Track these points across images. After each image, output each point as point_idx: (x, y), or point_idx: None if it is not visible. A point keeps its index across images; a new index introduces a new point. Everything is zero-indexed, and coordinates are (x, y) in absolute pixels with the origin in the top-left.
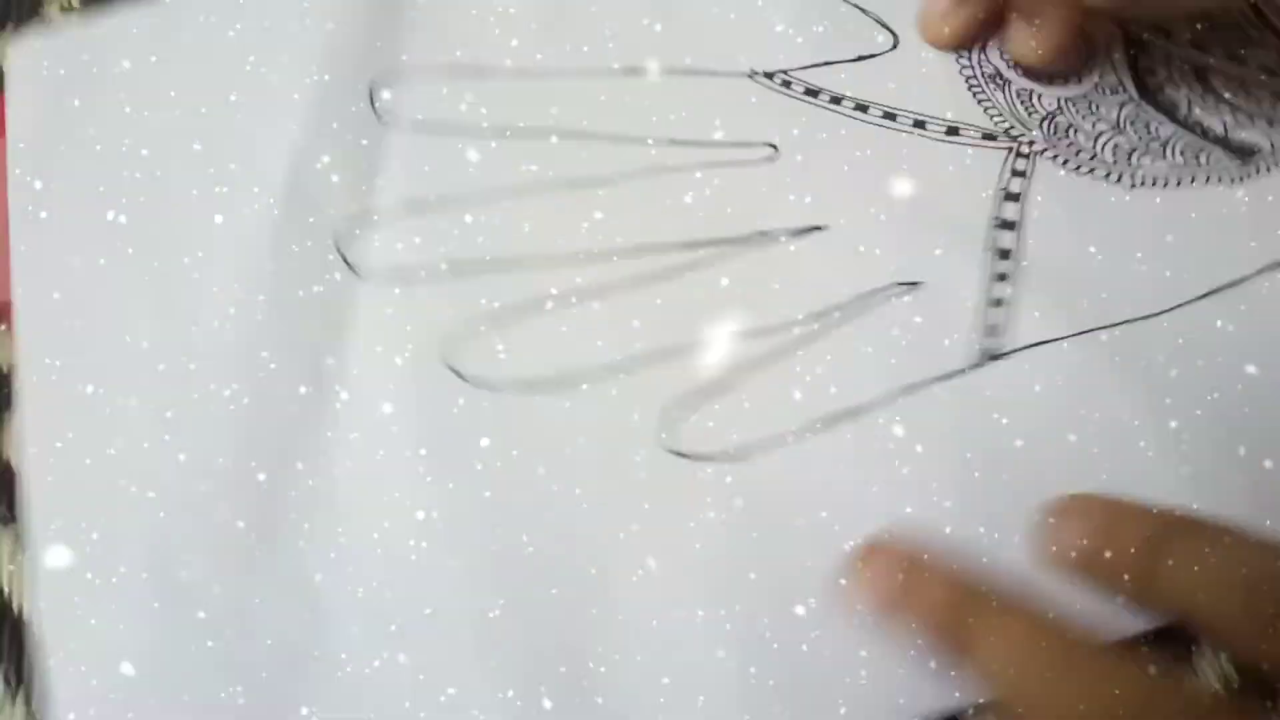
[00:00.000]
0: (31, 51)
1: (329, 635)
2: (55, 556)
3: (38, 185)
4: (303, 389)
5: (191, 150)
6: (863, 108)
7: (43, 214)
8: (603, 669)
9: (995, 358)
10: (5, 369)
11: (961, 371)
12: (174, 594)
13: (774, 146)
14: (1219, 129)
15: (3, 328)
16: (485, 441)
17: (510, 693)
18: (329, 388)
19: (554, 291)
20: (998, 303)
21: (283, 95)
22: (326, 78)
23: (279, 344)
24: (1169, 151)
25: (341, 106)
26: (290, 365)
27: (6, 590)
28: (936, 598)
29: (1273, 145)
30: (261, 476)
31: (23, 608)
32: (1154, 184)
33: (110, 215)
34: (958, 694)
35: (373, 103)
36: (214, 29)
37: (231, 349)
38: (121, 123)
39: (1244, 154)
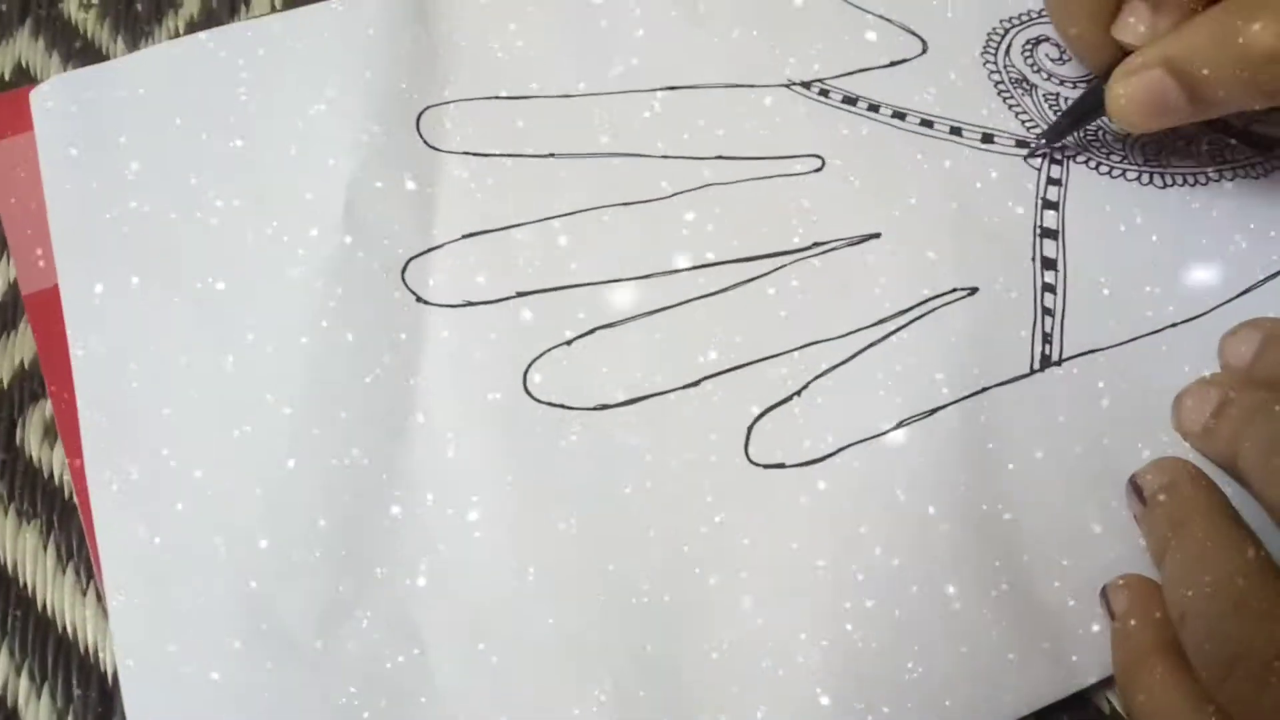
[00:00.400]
0: (61, 93)
1: (430, 669)
2: (133, 602)
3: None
4: (380, 417)
5: (245, 194)
6: (900, 115)
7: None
8: (699, 682)
9: (1051, 364)
10: (27, 364)
11: (1022, 376)
12: (263, 640)
13: (820, 157)
14: (1238, 122)
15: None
16: (559, 461)
17: (597, 697)
18: (406, 418)
19: (615, 310)
20: (1048, 311)
21: (331, 131)
22: (372, 109)
23: (352, 380)
24: (1194, 148)
25: (392, 137)
26: (364, 400)
27: (69, 630)
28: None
29: None
30: (348, 509)
31: (94, 649)
32: (1185, 182)
33: (163, 265)
34: (1051, 685)
35: (420, 132)
36: (259, 68)
37: (303, 387)
38: (165, 165)
39: (1265, 146)
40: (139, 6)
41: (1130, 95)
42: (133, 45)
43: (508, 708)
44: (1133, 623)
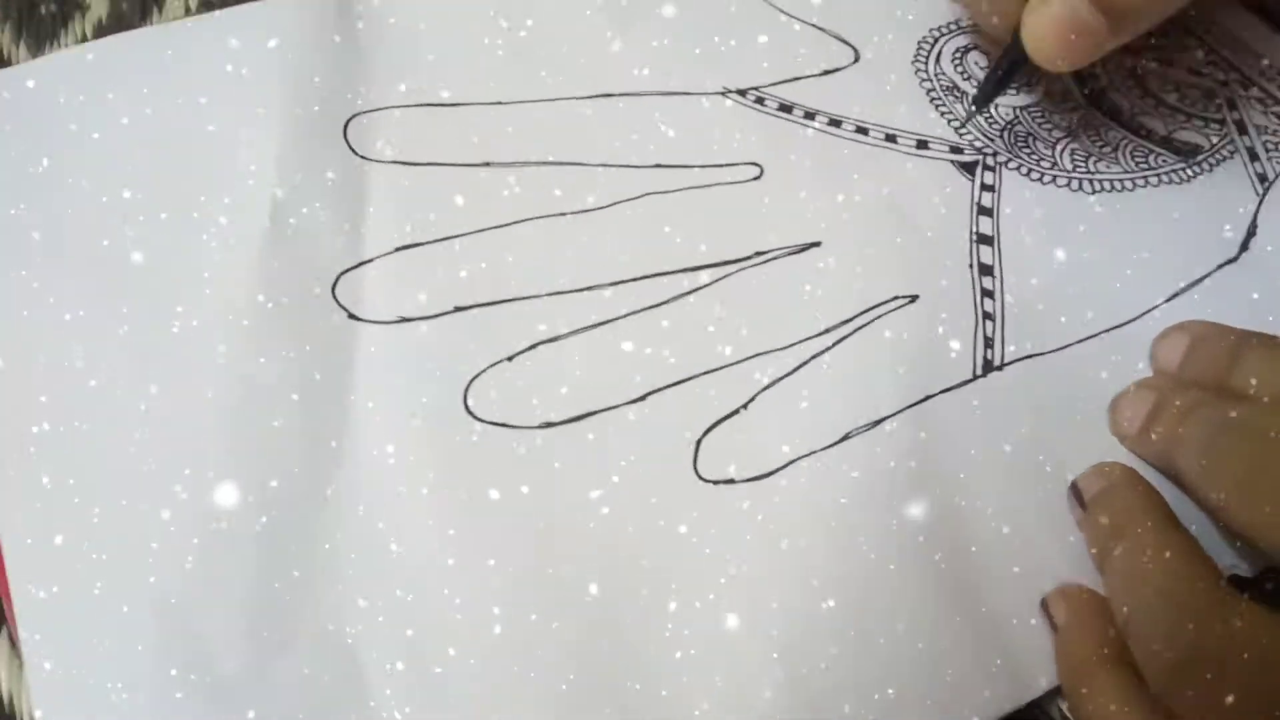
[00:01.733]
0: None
1: (372, 699)
2: (45, 620)
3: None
4: (310, 437)
5: (163, 206)
6: (835, 122)
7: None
8: (648, 693)
9: (993, 368)
10: None
11: (965, 382)
12: (188, 657)
13: (758, 165)
14: (1161, 130)
15: None
16: (502, 480)
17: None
18: (337, 434)
19: (557, 324)
20: (988, 315)
21: (253, 140)
22: (298, 116)
23: (281, 400)
24: (1120, 155)
25: (317, 146)
26: (294, 415)
27: None
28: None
29: (1211, 143)
30: (276, 536)
31: (10, 700)
32: (1112, 188)
33: (86, 266)
34: (1005, 696)
35: (348, 140)
36: (175, 72)
37: (229, 401)
38: (75, 175)
39: (1187, 154)
40: (42, 9)
41: (1047, 25)
42: (37, 51)
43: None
44: (1075, 633)
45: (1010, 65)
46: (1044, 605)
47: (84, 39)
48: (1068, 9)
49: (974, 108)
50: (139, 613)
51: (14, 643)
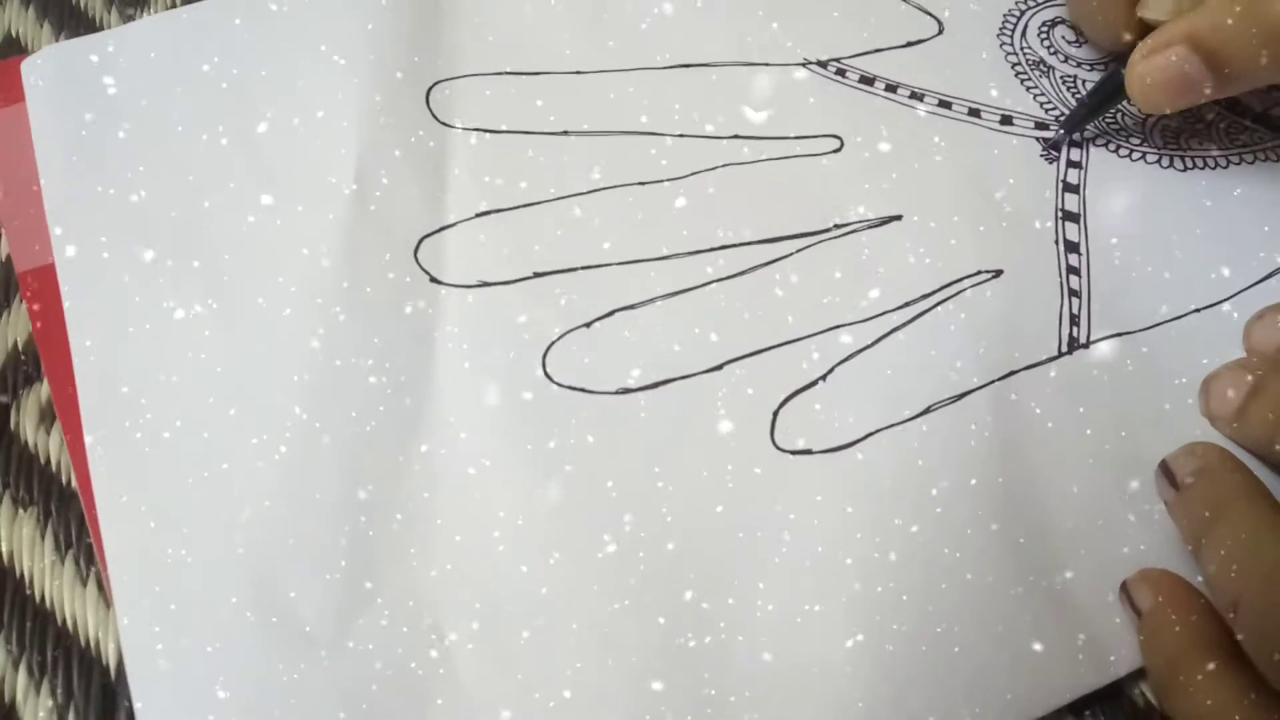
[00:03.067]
0: (53, 64)
1: (452, 665)
2: (139, 589)
3: (74, 218)
4: (392, 402)
5: (248, 169)
6: (918, 96)
7: (90, 241)
8: (724, 663)
9: (1079, 345)
10: (21, 345)
11: (1050, 359)
12: (276, 634)
13: (839, 138)
14: (1256, 106)
15: (24, 303)
16: (579, 445)
17: (629, 690)
18: (417, 396)
19: (635, 291)
20: (1074, 292)
21: (338, 106)
22: (382, 83)
23: (364, 360)
24: (1213, 132)
25: (401, 112)
26: (379, 380)
27: (63, 615)
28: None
29: None
30: (362, 496)
31: (95, 642)
32: (1205, 166)
33: (165, 243)
34: (1086, 677)
35: (430, 107)
36: (262, 39)
37: (316, 368)
38: (163, 139)
39: None
40: None
41: (1153, 75)
42: (126, 15)
43: (532, 700)
44: (1166, 621)
45: (1108, 96)
46: (1124, 590)
47: (174, 4)
48: (1177, 62)
49: (1063, 131)
50: (226, 564)
51: (102, 586)
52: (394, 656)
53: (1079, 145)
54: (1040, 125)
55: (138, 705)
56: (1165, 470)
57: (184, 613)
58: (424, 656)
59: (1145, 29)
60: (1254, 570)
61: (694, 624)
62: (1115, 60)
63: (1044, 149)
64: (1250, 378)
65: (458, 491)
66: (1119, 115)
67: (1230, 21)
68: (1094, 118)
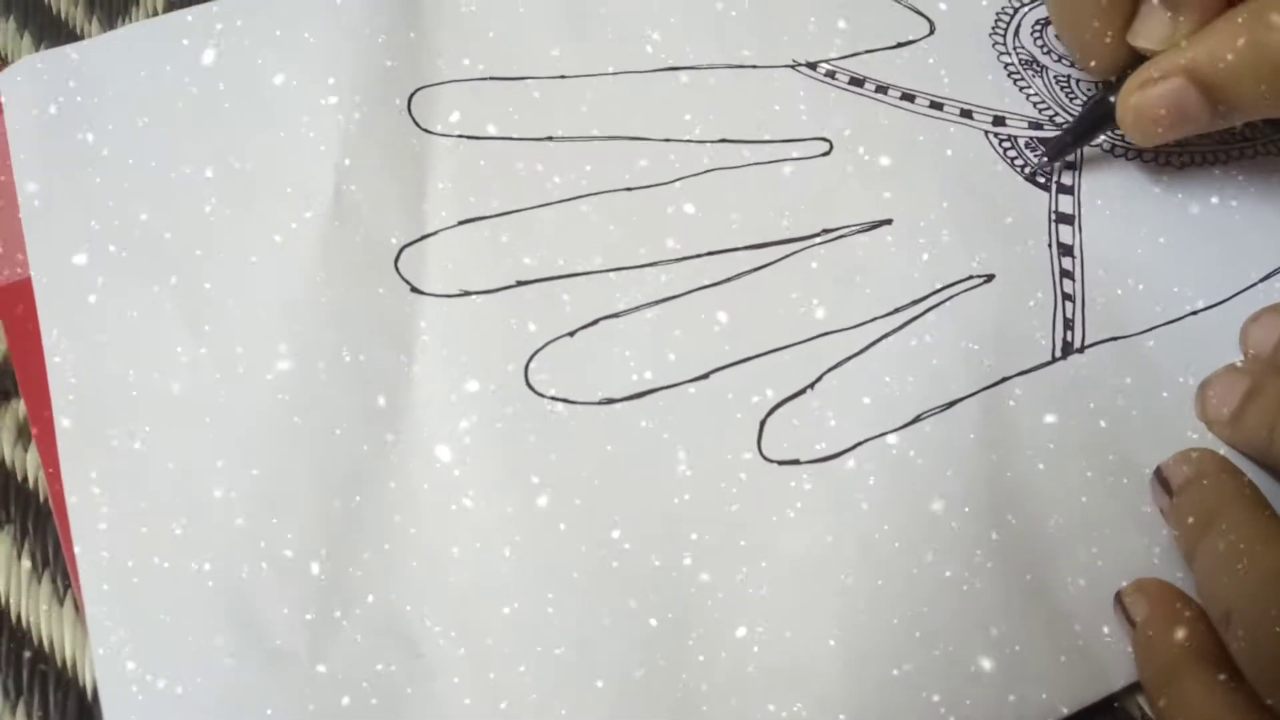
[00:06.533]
0: (31, 74)
1: (428, 673)
2: (111, 609)
3: (50, 210)
4: (371, 415)
5: (227, 177)
6: (909, 97)
7: (67, 241)
8: (706, 680)
9: (1074, 350)
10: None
11: (1043, 364)
12: (251, 651)
13: (828, 141)
14: None
15: None
16: (562, 455)
17: (610, 704)
18: (400, 411)
19: (619, 299)
20: (1068, 296)
21: (318, 112)
22: (363, 89)
23: (343, 371)
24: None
25: (381, 119)
26: (358, 391)
27: (31, 629)
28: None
29: None
30: (339, 509)
31: (72, 663)
32: (1204, 161)
33: (142, 254)
34: (1081, 689)
35: (412, 113)
36: (240, 45)
37: (294, 380)
38: (142, 148)
39: None
40: None
41: (1148, 107)
42: (109, 25)
43: (511, 713)
44: (1158, 630)
45: (1094, 124)
46: (1119, 600)
47: (155, 13)
48: (1175, 94)
49: (1046, 159)
50: (199, 581)
51: (79, 608)
52: (369, 673)
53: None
54: (1034, 125)
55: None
56: (1160, 477)
57: (157, 632)
58: (400, 672)
59: (1136, 56)
60: (1246, 579)
61: (677, 637)
62: (1103, 86)
63: (1029, 174)
64: (1247, 381)
65: (437, 504)
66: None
67: (1231, 56)
68: (1080, 145)
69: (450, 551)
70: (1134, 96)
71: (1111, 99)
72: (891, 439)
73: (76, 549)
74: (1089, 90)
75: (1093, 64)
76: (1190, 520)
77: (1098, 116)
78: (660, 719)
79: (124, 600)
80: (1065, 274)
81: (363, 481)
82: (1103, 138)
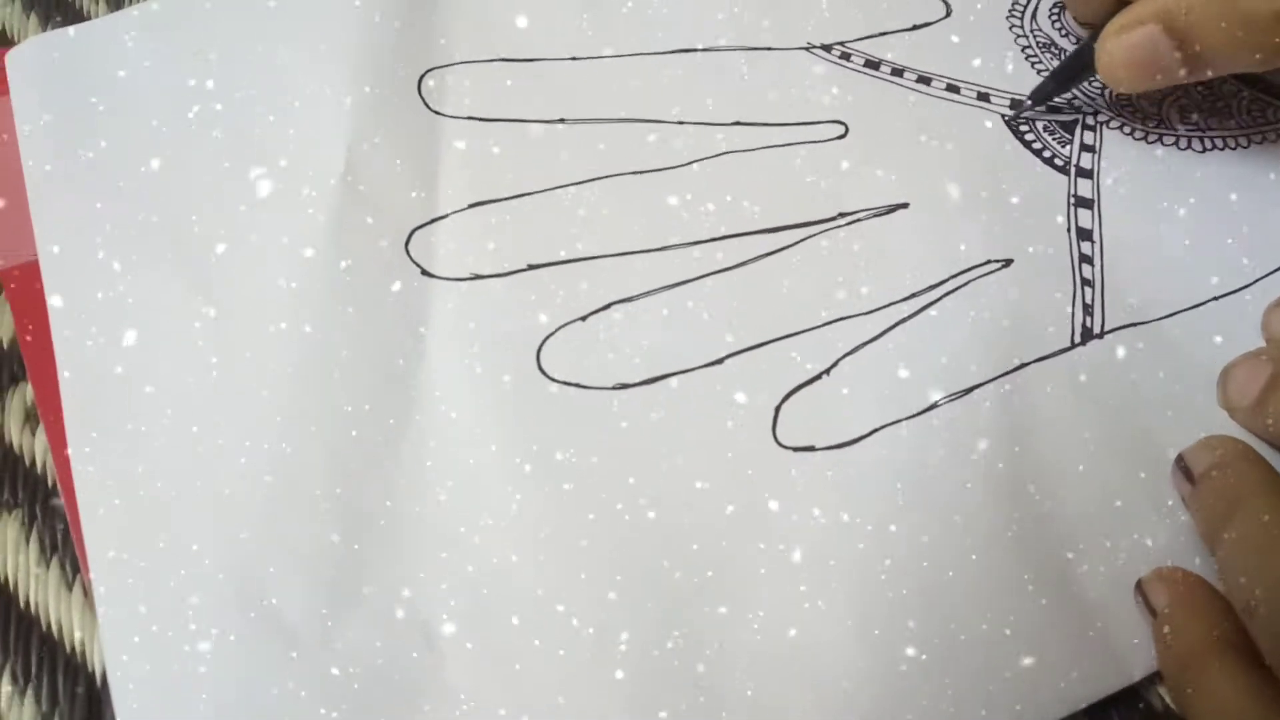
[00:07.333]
0: (38, 55)
1: (439, 662)
2: (116, 580)
3: (62, 196)
4: (382, 398)
5: (236, 157)
6: (925, 80)
7: (76, 220)
8: (722, 661)
9: (1093, 336)
10: (5, 345)
11: (1062, 350)
12: (260, 638)
13: (843, 124)
14: (1277, 79)
15: (7, 300)
16: (574, 441)
17: (624, 685)
18: (410, 396)
19: (632, 283)
20: (1087, 281)
21: (327, 94)
22: (374, 70)
23: (353, 356)
24: (1235, 110)
25: (392, 101)
26: (369, 375)
27: (43, 616)
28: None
29: None
30: (350, 492)
31: (81, 649)
32: (1225, 146)
33: (152, 236)
34: (1101, 679)
35: (422, 95)
36: (250, 25)
37: (304, 363)
38: (150, 129)
39: None
40: None
41: (1122, 52)
42: (115, 5)
43: (525, 694)
44: (1180, 620)
45: (1076, 70)
46: (1140, 588)
47: None
48: (1147, 42)
49: (1030, 102)
50: (209, 564)
51: (87, 593)
52: (382, 655)
53: (1092, 128)
54: (1053, 109)
55: (119, 711)
56: (1181, 464)
57: (165, 614)
58: (413, 655)
59: (1121, 5)
60: (1271, 568)
61: (690, 623)
62: (1089, 34)
63: (1009, 117)
64: (1270, 368)
65: (448, 489)
66: (1134, 95)
67: (1206, 4)
68: (1062, 91)
69: (461, 536)
70: (1109, 41)
71: (1095, 45)
72: (907, 425)
73: (84, 531)
74: None
75: (1084, 14)
76: (1212, 508)
77: (1079, 62)
78: (676, 702)
79: (133, 582)
80: (1084, 259)
81: (372, 465)
82: (1122, 124)
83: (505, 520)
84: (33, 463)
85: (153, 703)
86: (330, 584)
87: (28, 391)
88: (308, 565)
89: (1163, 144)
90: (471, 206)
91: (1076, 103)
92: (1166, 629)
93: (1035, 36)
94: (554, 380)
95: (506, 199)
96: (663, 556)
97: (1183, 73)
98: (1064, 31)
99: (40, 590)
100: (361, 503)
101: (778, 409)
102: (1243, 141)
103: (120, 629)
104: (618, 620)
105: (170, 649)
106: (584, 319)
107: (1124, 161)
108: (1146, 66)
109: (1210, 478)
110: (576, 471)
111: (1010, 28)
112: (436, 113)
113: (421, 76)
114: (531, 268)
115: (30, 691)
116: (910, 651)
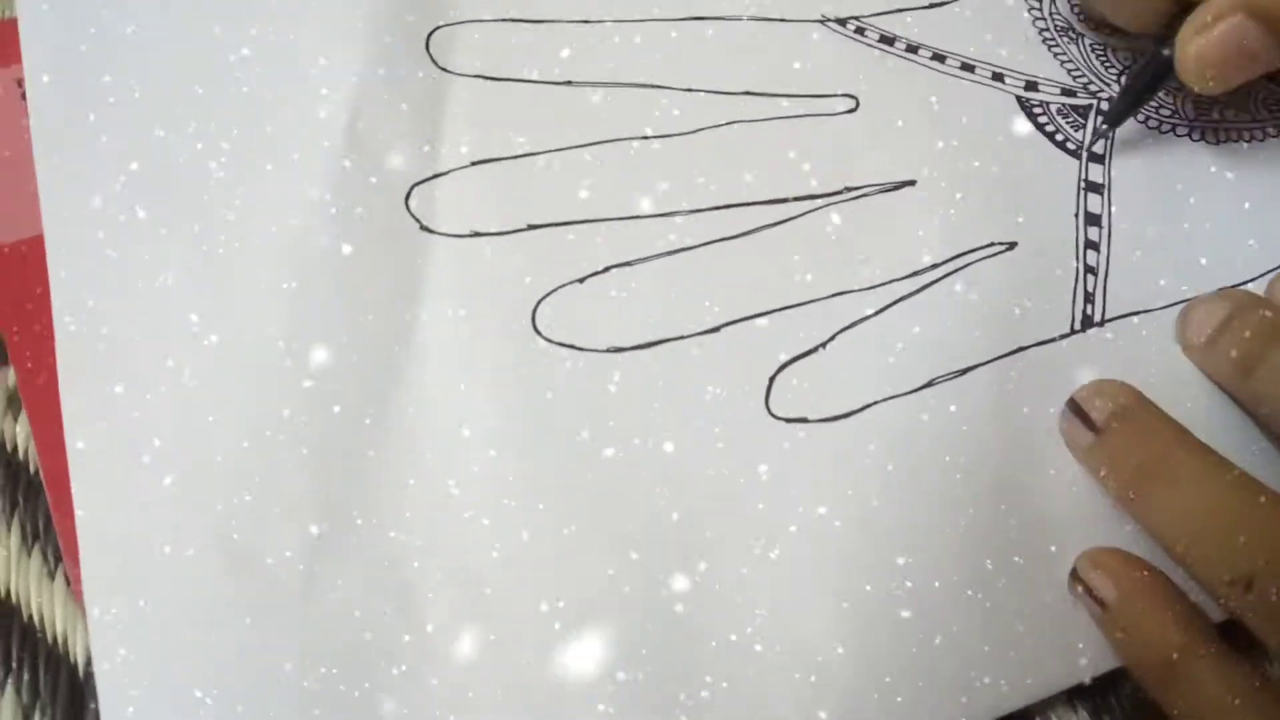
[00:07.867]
0: (49, 13)
1: (421, 623)
2: (105, 540)
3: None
4: (375, 349)
5: (242, 113)
6: (940, 58)
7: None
8: (703, 630)
9: (1093, 324)
10: None
11: (1061, 336)
12: (245, 573)
13: (854, 98)
14: None
15: None
16: (565, 402)
17: (606, 652)
18: (404, 346)
19: (631, 248)
20: (1091, 269)
21: (334, 48)
22: (382, 24)
23: (350, 310)
24: (1251, 102)
25: (399, 56)
26: (365, 329)
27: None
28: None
29: None
30: (341, 450)
31: (64, 639)
32: (1240, 138)
33: (155, 192)
34: (1073, 667)
35: (430, 52)
36: None
37: (298, 310)
38: (160, 85)
39: None
40: None
41: (1211, 50)
42: None
43: (506, 659)
44: (1138, 615)
45: (1153, 80)
46: (1076, 578)
47: None
48: (1235, 33)
49: (1105, 126)
50: (199, 535)
51: (70, 582)
52: (365, 615)
53: (1103, 115)
54: (1067, 92)
55: (104, 703)
56: (1077, 410)
57: (155, 584)
58: (395, 613)
59: (1180, 7)
60: (1199, 514)
61: (677, 588)
62: (1154, 41)
63: (1071, 113)
64: (1228, 306)
65: (439, 446)
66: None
67: None
68: (1139, 107)
69: (450, 495)
70: (1192, 43)
71: (1165, 52)
72: (902, 402)
73: (77, 508)
74: (1126, 59)
75: (1138, 19)
76: (1125, 462)
77: (1154, 74)
78: (665, 677)
79: (122, 559)
80: (1090, 245)
81: (367, 424)
82: (1140, 114)
83: (495, 479)
84: (15, 449)
85: (139, 686)
86: (316, 546)
87: (10, 376)
88: (297, 525)
89: (1176, 134)
90: (474, 164)
91: (1092, 87)
92: (1128, 623)
93: (1054, 20)
94: (548, 340)
95: (510, 158)
96: (648, 519)
97: (1273, 55)
98: (1081, 14)
99: (21, 580)
100: (351, 460)
101: (772, 379)
102: (1257, 134)
103: (111, 627)
104: (607, 582)
105: (156, 621)
106: (581, 281)
107: (1138, 148)
108: (1239, 62)
109: (1116, 429)
110: (566, 433)
111: (1028, 9)
112: (444, 69)
113: (430, 32)
114: (531, 228)
115: (11, 682)
116: (889, 624)
